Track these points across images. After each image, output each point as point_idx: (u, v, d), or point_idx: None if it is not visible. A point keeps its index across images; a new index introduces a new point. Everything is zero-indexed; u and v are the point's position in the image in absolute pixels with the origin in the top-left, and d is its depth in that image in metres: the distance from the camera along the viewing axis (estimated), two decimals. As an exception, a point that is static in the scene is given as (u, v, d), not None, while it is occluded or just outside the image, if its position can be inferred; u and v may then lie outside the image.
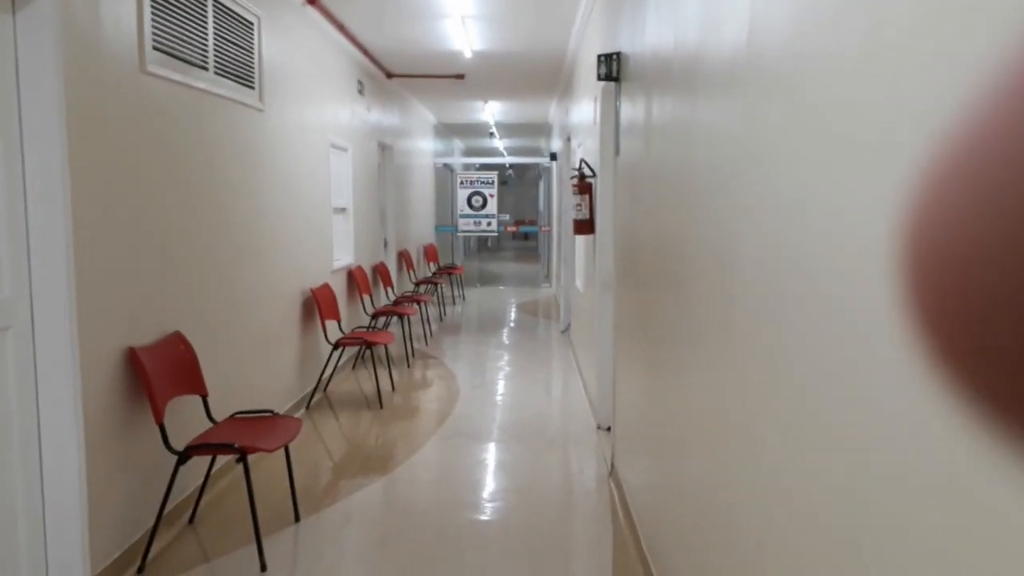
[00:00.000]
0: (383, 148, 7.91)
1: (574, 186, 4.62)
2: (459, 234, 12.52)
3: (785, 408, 1.26)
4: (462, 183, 11.12)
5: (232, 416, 3.29)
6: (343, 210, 6.13)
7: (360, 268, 6.42)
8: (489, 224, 11.17)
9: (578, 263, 6.18)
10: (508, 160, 12.15)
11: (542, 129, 12.93)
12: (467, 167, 16.29)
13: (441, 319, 8.74)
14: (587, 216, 4.55)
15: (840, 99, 1.06)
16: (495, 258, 19.36)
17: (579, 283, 6.02)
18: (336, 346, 5.04)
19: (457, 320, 9.10)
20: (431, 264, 10.33)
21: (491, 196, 11.19)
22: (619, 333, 3.69)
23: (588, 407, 4.87)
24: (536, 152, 17.34)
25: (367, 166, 6.93)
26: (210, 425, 3.23)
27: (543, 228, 12.55)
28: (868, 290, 0.95)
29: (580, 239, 5.73)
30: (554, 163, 10.28)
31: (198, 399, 3.22)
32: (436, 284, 9.07)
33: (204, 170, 3.43)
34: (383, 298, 7.33)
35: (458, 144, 15.86)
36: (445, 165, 12.93)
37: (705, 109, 1.88)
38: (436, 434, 4.37)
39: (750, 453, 1.45)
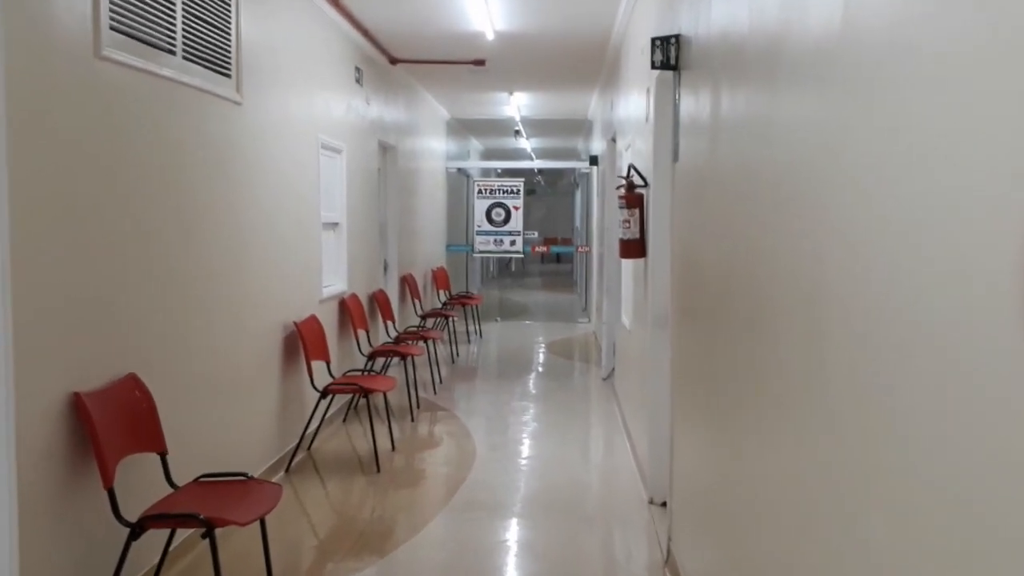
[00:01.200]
0: (384, 149, 8.02)
1: (621, 198, 4.64)
2: (476, 255, 12.61)
3: (893, 481, 1.23)
4: (480, 192, 11.29)
5: (197, 479, 3.31)
6: (335, 225, 6.20)
7: (355, 297, 6.47)
8: (513, 243, 11.27)
9: (625, 293, 6.18)
10: (537, 164, 12.22)
11: (580, 127, 13.04)
12: (486, 172, 16.46)
13: (453, 361, 8.76)
14: (637, 235, 4.57)
15: (973, 93, 1.01)
16: (520, 285, 19.48)
17: (626, 319, 6.00)
18: (324, 393, 5.06)
19: (473, 363, 9.11)
20: (441, 292, 10.39)
21: (516, 209, 11.30)
22: (677, 382, 3.68)
23: (637, 475, 4.82)
24: (572, 155, 17.47)
25: (365, 171, 7.02)
26: (170, 490, 3.25)
27: (580, 249, 12.59)
28: (1010, 338, 0.90)
29: (628, 263, 5.73)
30: (595, 169, 10.34)
31: (155, 458, 3.25)
32: (447, 317, 9.11)
33: (169, 177, 3.51)
34: (382, 334, 7.38)
35: (476, 145, 16.06)
36: (460, 170, 13.06)
37: (787, 104, 1.89)
38: (446, 506, 4.37)
39: (848, 536, 1.42)
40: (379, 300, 7.22)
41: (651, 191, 4.35)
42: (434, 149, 11.00)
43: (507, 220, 11.17)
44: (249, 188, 4.37)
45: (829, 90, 1.58)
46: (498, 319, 12.16)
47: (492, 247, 11.23)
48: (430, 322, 9.18)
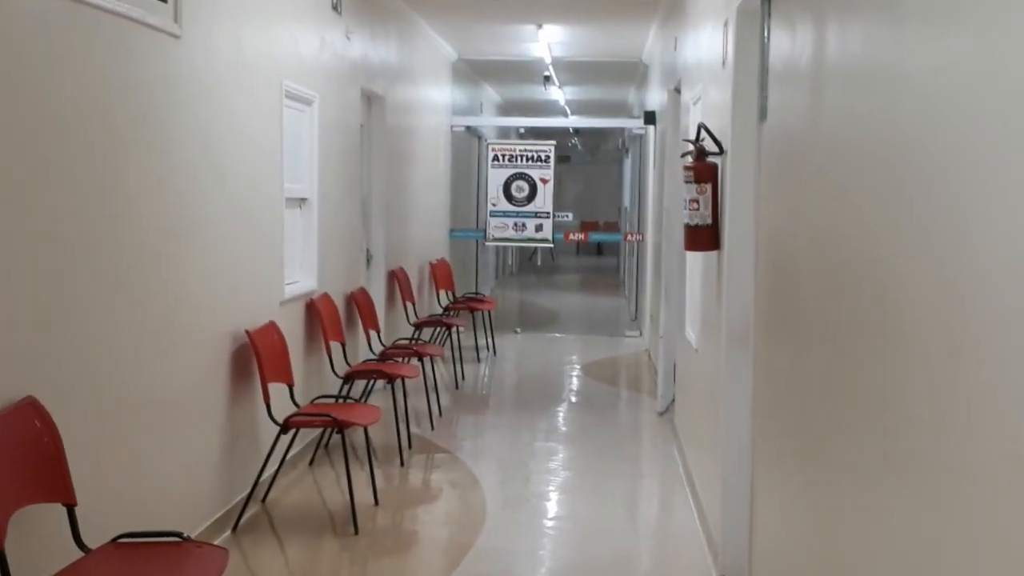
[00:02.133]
0: (370, 100, 8.05)
1: (687, 169, 4.65)
2: (489, 244, 12.70)
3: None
4: (497, 159, 11.27)
5: (115, 540, 3.32)
6: (302, 202, 6.23)
7: (327, 298, 6.49)
8: (539, 229, 11.28)
9: (690, 298, 6.18)
10: (574, 123, 12.18)
11: (631, 73, 13.02)
12: (505, 133, 16.49)
13: (457, 385, 8.77)
14: (708, 220, 4.57)
15: None
16: (547, 285, 19.51)
17: (691, 332, 6.00)
18: (286, 427, 5.08)
19: (483, 388, 9.09)
20: (442, 294, 10.42)
21: (543, 182, 11.31)
22: (761, 420, 3.68)
23: (704, 545, 4.80)
24: (620, 110, 17.46)
25: (343, 129, 7.05)
26: (80, 554, 3.25)
27: (630, 237, 12.57)
28: None
29: (695, 258, 5.71)
30: (651, 129, 10.32)
31: (60, 510, 3.27)
32: (450, 327, 9.14)
33: (82, 134, 3.52)
34: (363, 349, 7.41)
35: (491, 96, 16.10)
36: (469, 130, 13.09)
37: (926, 44, 1.88)
38: (446, 581, 4.37)
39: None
40: (359, 303, 7.24)
41: (728, 160, 4.35)
42: (436, 101, 11.02)
43: (532, 197, 11.16)
44: (189, 151, 4.39)
45: (993, 22, 1.55)
46: (518, 330, 12.18)
47: (511, 233, 11.22)
48: (427, 333, 9.17)
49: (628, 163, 16.82)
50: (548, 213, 11.19)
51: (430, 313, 9.94)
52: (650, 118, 10.00)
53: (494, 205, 11.20)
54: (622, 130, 17.02)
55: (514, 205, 11.18)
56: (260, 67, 5.29)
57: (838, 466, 2.43)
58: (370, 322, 7.34)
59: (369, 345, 7.30)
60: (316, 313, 6.21)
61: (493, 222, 11.21)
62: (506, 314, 13.27)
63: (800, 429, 2.92)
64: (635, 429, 7.61)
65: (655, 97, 10.07)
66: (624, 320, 13.43)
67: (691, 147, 4.73)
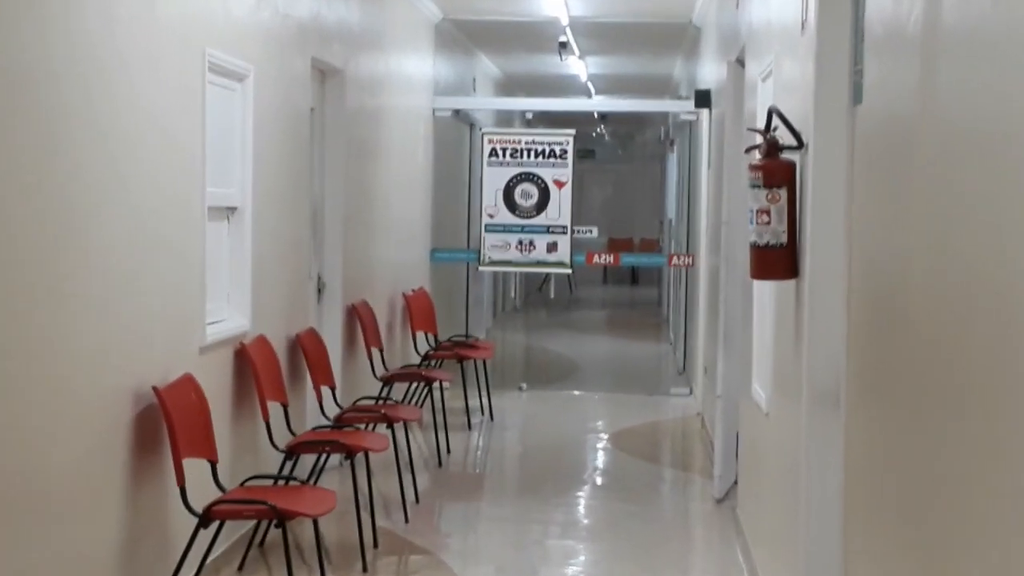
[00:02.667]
0: (323, 75, 8.07)
1: (754, 169, 4.65)
2: (484, 269, 12.67)
3: None
4: (495, 155, 11.32)
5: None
6: (231, 212, 6.24)
7: (263, 342, 6.45)
8: (553, 248, 11.30)
9: (758, 344, 6.19)
10: (599, 105, 12.13)
11: (677, 39, 13.05)
12: (506, 119, 16.50)
13: (440, 462, 8.73)
14: (783, 239, 4.58)
15: None
16: (564, 324, 19.54)
17: (759, 390, 5.99)
18: (207, 517, 5.04)
19: (475, 466, 9.04)
20: (421, 336, 10.40)
21: (559, 185, 11.32)
22: (859, 510, 3.65)
23: None
24: (662, 88, 17.51)
25: (287, 114, 7.05)
26: None
27: (676, 260, 12.55)
28: None
29: (765, 289, 5.72)
30: (704, 114, 10.32)
31: None
32: (430, 383, 9.10)
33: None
34: (312, 411, 7.40)
35: (488, 69, 16.15)
36: (458, 114, 13.11)
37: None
38: None
39: None
40: (307, 349, 7.21)
41: (810, 158, 4.35)
42: (413, 76, 11.06)
43: (542, 206, 11.16)
44: (77, 147, 4.37)
45: None
46: (523, 387, 12.14)
47: (514, 255, 11.21)
48: (399, 390, 9.13)
49: (673, 160, 16.86)
50: (565, 228, 11.18)
51: (404, 363, 9.92)
52: (703, 100, 10.01)
53: (491, 217, 11.19)
54: (665, 116, 17.02)
55: (519, 216, 11.18)
56: (174, 31, 5.28)
57: (979, 565, 2.39)
58: (322, 375, 7.30)
59: (321, 406, 7.25)
60: (249, 363, 6.17)
61: (490, 240, 11.19)
62: (507, 364, 13.24)
63: (914, 523, 2.90)
64: (683, 522, 7.55)
65: (710, 72, 10.09)
66: (668, 373, 13.39)
67: (759, 140, 4.73)
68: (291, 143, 7.11)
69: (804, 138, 4.49)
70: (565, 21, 11.83)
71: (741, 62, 7.24)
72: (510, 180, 11.14)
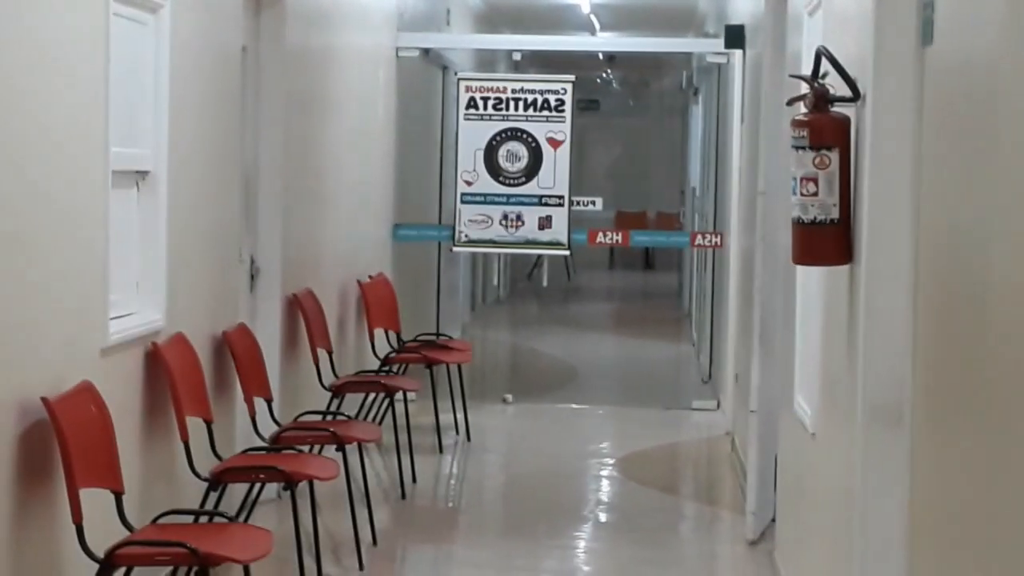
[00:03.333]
0: (258, 5, 8.05)
1: (799, 126, 4.67)
2: (459, 250, 12.59)
3: None
4: (473, 106, 11.41)
5: None
6: (141, 178, 6.23)
7: (182, 342, 6.44)
8: (547, 224, 11.34)
9: (802, 345, 6.21)
10: (605, 44, 12.03)
11: (703, -40, 13.04)
12: (487, 61, 16.43)
13: (403, 493, 8.76)
14: (834, 213, 4.61)
15: None
16: (560, 319, 19.59)
17: (803, 403, 6.03)
18: (111, 563, 5.02)
19: (448, 498, 9.04)
20: (380, 334, 10.38)
21: (554, 144, 11.34)
22: (930, 552, 3.64)
23: None
24: (683, 23, 17.48)
25: (212, 55, 7.03)
26: None
27: (701, 240, 12.52)
28: None
29: (812, 276, 5.75)
30: (736, 56, 10.31)
31: None
32: (391, 393, 9.07)
33: None
34: (243, 429, 7.40)
35: (464, -2, 16.09)
36: (427, 55, 13.06)
37: None
38: None
39: None
40: (237, 351, 7.20)
41: (868, 111, 4.37)
42: (369, 6, 11.05)
43: (533, 171, 11.16)
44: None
45: None
46: (508, 398, 12.14)
47: (498, 232, 11.20)
48: (353, 402, 9.14)
49: (697, 114, 16.88)
50: (561, 198, 11.18)
51: (359, 369, 9.92)
52: (735, 38, 10.01)
53: (469, 184, 11.19)
54: (688, 58, 17.00)
55: (503, 184, 11.17)
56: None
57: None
58: (255, 384, 7.30)
59: (254, 423, 7.25)
60: (163, 368, 6.17)
61: (467, 212, 11.18)
62: (489, 370, 13.22)
63: (1000, 571, 2.89)
64: (709, 570, 7.55)
65: (743, 3, 10.07)
66: (690, 382, 13.39)
67: (805, 89, 4.75)
68: (217, 91, 7.09)
69: (861, 87, 4.50)
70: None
71: (783, -7, 7.25)
72: (493, 138, 11.14)
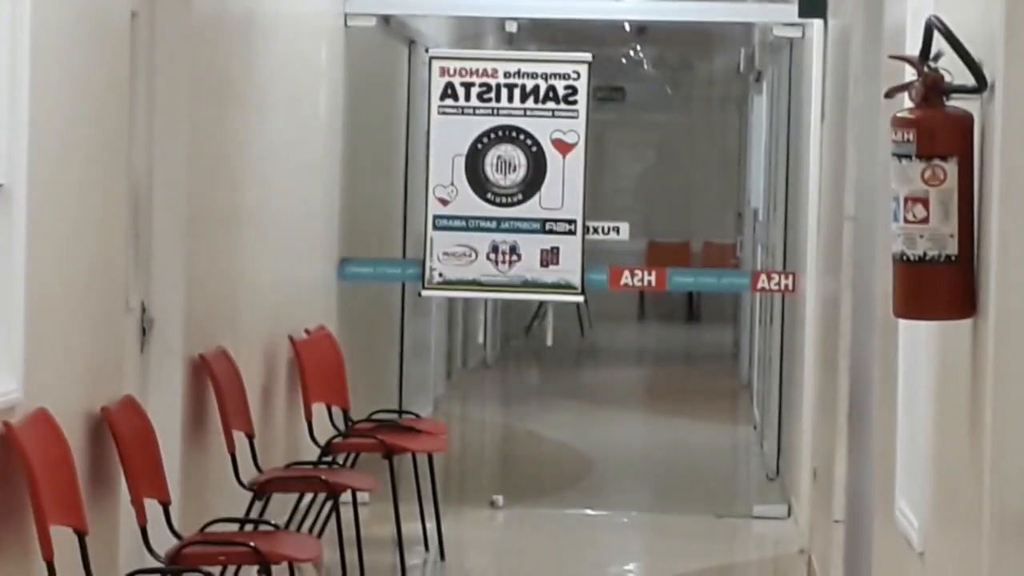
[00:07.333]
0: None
1: (902, 126, 4.68)
2: (429, 293, 12.75)
3: None
4: (450, 95, 11.55)
5: None
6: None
7: (44, 421, 6.43)
8: (551, 258, 11.48)
9: (907, 433, 6.24)
10: (632, 12, 12.01)
11: None
12: (469, 34, 16.48)
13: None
14: (951, 248, 4.60)
15: None
16: (569, 391, 19.70)
17: (907, 513, 6.04)
18: None
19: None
20: (321, 410, 10.38)
21: (562, 148, 11.51)
22: None
23: None
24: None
25: (89, 23, 7.02)
26: None
27: (766, 281, 12.56)
28: None
29: (920, 335, 5.78)
30: (815, 28, 10.36)
31: None
32: (335, 494, 9.08)
33: None
34: (128, 541, 7.39)
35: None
36: (387, 24, 13.08)
37: None
38: None
39: None
40: (122, 434, 7.21)
41: (997, 106, 4.38)
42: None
43: (534, 185, 11.20)
44: None
45: None
46: (497, 501, 12.15)
47: (484, 270, 11.23)
48: (281, 505, 9.15)
49: (761, 108, 16.93)
50: (572, 223, 11.22)
51: (291, 460, 9.98)
52: (813, 3, 10.07)
53: (444, 202, 11.24)
54: (748, 31, 17.09)
55: (493, 203, 11.23)
56: None
57: None
58: (147, 480, 7.32)
59: (145, 537, 7.27)
60: (19, 459, 6.16)
61: (442, 242, 11.24)
62: (470, 462, 13.26)
63: None
64: None
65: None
66: (751, 479, 13.45)
67: (911, 75, 4.77)
68: (97, 75, 7.10)
69: (988, 74, 4.51)
70: None
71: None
72: (478, 139, 11.20)
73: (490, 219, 11.07)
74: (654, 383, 20.71)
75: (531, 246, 11.07)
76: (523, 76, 11.21)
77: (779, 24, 11.96)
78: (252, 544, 7.40)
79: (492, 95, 11.13)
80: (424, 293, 12.06)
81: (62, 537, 6.33)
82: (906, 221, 4.61)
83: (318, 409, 10.32)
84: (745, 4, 16.57)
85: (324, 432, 10.24)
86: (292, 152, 10.47)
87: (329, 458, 9.81)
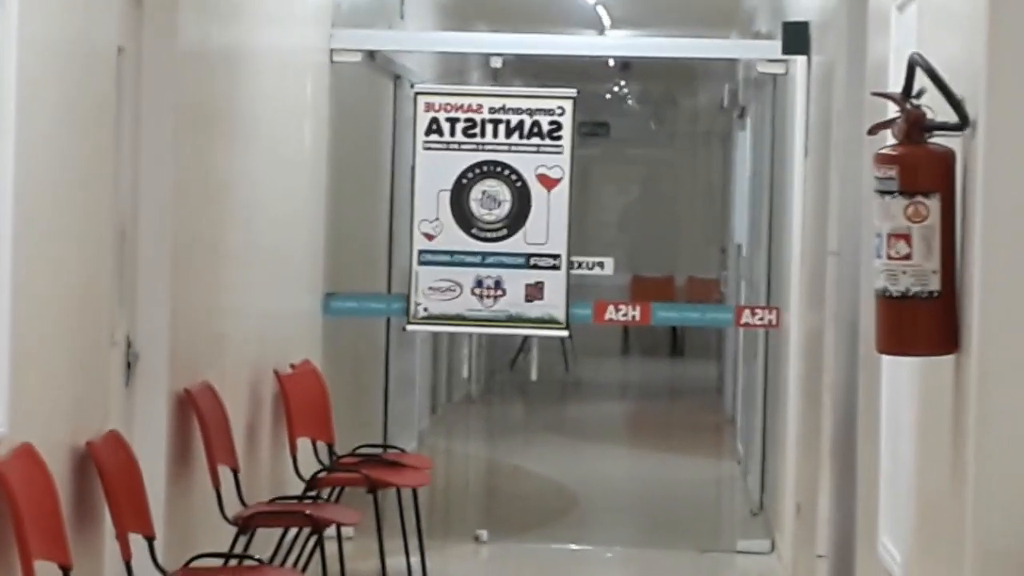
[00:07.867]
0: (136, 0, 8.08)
1: (885, 162, 4.72)
2: (414, 328, 12.77)
3: None
4: (435, 130, 11.54)
5: None
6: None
7: (28, 456, 6.41)
8: (536, 293, 11.46)
9: (890, 468, 6.23)
10: (618, 48, 12.04)
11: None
12: (454, 69, 16.48)
13: None
14: (934, 284, 4.63)
15: None
16: (554, 426, 19.71)
17: (890, 547, 6.05)
18: None
19: None
20: (306, 445, 10.36)
21: (547, 184, 11.51)
22: None
23: None
24: (724, 21, 17.59)
25: (76, 57, 7.04)
26: None
27: (750, 316, 12.55)
28: None
29: (903, 371, 5.78)
30: (798, 65, 10.38)
31: None
32: (319, 529, 9.06)
33: None
34: (112, 576, 7.35)
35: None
36: (372, 59, 13.09)
37: None
38: None
39: None
40: (107, 468, 7.19)
41: (980, 143, 4.41)
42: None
43: (519, 220, 11.19)
44: None
45: None
46: (481, 536, 12.13)
47: (469, 305, 11.23)
48: (266, 540, 9.13)
49: (744, 143, 16.95)
50: (557, 258, 11.21)
51: (275, 494, 9.97)
52: (797, 40, 10.12)
53: (430, 237, 11.22)
54: (732, 67, 17.10)
55: (478, 238, 11.21)
56: None
57: None
58: (131, 515, 7.31)
59: (129, 570, 7.25)
60: (5, 493, 6.14)
61: (427, 277, 11.23)
62: (455, 497, 13.20)
63: None
64: None
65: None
66: (735, 514, 13.43)
67: (894, 112, 4.79)
68: (83, 111, 7.10)
69: (970, 110, 4.52)
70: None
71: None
72: (463, 174, 11.20)
73: (475, 254, 11.07)
74: (638, 417, 20.69)
75: (516, 281, 11.06)
76: (508, 111, 11.21)
77: (763, 60, 11.97)
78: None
79: (477, 130, 11.12)
80: (409, 328, 12.04)
81: (46, 572, 6.31)
82: (889, 257, 4.63)
83: (303, 443, 10.31)
84: (729, 41, 16.67)
85: (309, 466, 10.23)
86: (277, 186, 10.47)
87: (314, 492, 9.80)
